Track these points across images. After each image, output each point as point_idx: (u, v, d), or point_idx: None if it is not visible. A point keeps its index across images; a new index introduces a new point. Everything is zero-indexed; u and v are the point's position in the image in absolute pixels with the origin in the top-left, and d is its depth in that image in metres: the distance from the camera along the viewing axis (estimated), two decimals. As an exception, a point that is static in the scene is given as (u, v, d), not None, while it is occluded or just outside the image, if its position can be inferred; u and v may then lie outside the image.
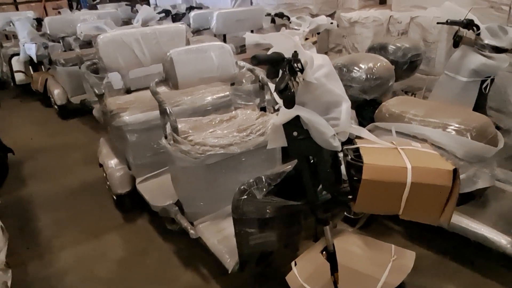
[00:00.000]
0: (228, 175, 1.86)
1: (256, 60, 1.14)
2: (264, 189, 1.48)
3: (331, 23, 2.97)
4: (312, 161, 1.42)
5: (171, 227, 2.00)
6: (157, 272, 2.03)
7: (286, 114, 1.29)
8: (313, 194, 1.46)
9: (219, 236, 1.81)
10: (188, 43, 2.68)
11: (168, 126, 1.81)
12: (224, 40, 4.01)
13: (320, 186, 1.49)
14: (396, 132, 1.98)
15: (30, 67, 4.77)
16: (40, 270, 2.11)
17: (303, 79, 1.24)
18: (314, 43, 2.98)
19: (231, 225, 1.55)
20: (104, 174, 2.50)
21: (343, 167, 1.44)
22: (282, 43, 1.25)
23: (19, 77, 4.88)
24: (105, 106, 2.22)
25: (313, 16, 3.52)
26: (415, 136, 1.91)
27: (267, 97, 2.21)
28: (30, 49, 4.32)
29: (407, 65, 2.58)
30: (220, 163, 1.78)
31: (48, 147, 3.72)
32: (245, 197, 1.47)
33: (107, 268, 2.09)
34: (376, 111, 2.17)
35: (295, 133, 1.34)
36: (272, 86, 1.35)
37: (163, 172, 2.35)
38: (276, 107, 2.00)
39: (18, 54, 4.77)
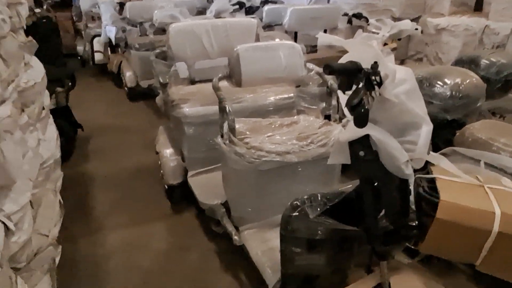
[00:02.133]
0: (282, 184, 1.74)
1: (329, 69, 1.00)
2: (318, 209, 1.34)
3: (416, 29, 2.70)
4: (376, 184, 1.26)
5: (216, 229, 1.93)
6: (195, 272, 1.99)
7: (354, 132, 1.14)
8: (373, 222, 1.30)
9: (264, 246, 1.71)
10: (258, 38, 2.59)
11: (225, 125, 1.73)
12: (295, 38, 3.87)
13: (383, 213, 1.32)
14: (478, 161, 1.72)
15: (108, 48, 5.04)
16: (88, 249, 2.18)
17: (379, 94, 1.08)
18: (393, 50, 2.74)
19: (277, 236, 1.44)
20: (159, 162, 2.52)
21: (412, 196, 1.26)
22: (361, 50, 1.09)
23: (98, 57, 5.18)
24: (167, 95, 2.21)
25: (395, 19, 3.24)
26: (503, 169, 1.63)
27: (334, 102, 2.05)
28: (111, 32, 4.54)
29: (501, 84, 2.25)
30: (274, 170, 1.67)
31: (113, 127, 3.89)
32: (297, 214, 1.35)
33: (149, 258, 2.09)
34: (457, 134, 1.91)
35: (361, 153, 1.19)
36: (342, 96, 1.21)
37: (215, 169, 2.29)
38: (343, 121, 1.84)
39: (100, 35, 5.05)
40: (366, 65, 1.04)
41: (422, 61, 3.53)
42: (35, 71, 1.96)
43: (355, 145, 1.20)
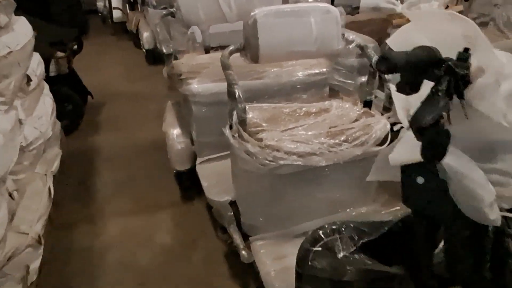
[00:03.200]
0: (304, 190, 1.39)
1: (387, 66, 0.60)
2: (352, 246, 0.98)
3: (488, -13, 2.13)
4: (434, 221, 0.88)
5: (222, 237, 1.62)
6: (199, 276, 1.72)
7: (414, 154, 0.75)
8: (425, 268, 0.94)
9: (278, 265, 1.39)
10: (286, -2, 2.13)
11: (235, 114, 1.37)
12: (333, -4, 3.32)
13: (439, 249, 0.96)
14: None
15: (127, 5, 4.65)
16: (86, 238, 1.95)
17: (463, 99, 0.67)
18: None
19: (295, 252, 1.11)
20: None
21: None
22: (438, 26, 0.67)
23: (116, 14, 4.82)
24: (172, 68, 1.84)
25: (457, -27, 2.63)
26: None
27: (378, 86, 1.62)
28: (127, -14, 4.14)
29: None
30: (294, 174, 1.31)
31: (128, 93, 3.59)
32: (319, 249, 1.00)
33: (150, 255, 1.84)
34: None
35: (420, 180, 0.81)
36: (399, 96, 0.81)
37: (228, 156, 1.96)
38: (390, 114, 1.40)
39: (118, -10, 4.67)
40: (449, 52, 0.63)
41: (487, 27, 2.92)
42: (15, 36, 1.64)
43: (411, 167, 0.81)
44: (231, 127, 1.39)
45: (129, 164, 2.55)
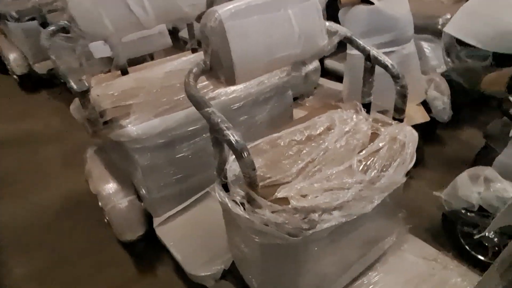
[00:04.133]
0: (339, 243, 1.03)
1: None
2: None
3: None
4: None
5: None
6: None
7: None
8: None
9: None
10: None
11: (230, 169, 0.92)
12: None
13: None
14: None
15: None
16: None
17: None
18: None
19: None
20: (100, 205, 1.60)
21: None
22: None
23: (-42, 35, 3.69)
24: (93, 109, 1.28)
25: None
26: None
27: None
28: (-33, -3, 3.13)
29: None
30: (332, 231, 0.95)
31: (10, 138, 2.74)
32: None
33: None
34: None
35: None
36: None
37: (195, 204, 1.50)
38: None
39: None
40: None
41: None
42: None
43: None
44: (225, 188, 0.94)
45: (45, 241, 1.86)
